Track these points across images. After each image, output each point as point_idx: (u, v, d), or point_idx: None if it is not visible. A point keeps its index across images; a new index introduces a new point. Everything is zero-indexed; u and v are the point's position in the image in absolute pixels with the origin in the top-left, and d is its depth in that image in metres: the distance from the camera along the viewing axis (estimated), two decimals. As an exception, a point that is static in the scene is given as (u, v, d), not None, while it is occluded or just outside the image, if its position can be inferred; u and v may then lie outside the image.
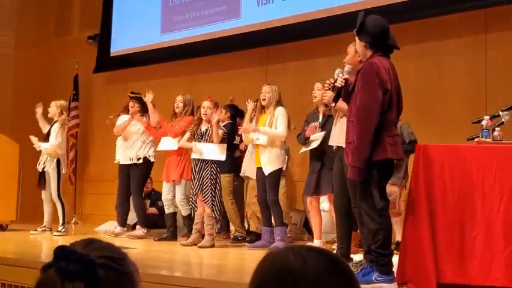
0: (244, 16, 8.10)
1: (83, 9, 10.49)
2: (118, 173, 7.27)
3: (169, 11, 9.10)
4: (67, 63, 10.36)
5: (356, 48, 3.83)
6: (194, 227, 6.08)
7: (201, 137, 6.13)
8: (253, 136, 5.87)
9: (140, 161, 7.00)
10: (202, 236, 5.99)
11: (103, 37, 9.86)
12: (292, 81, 7.67)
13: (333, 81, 3.86)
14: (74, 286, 1.05)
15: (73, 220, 9.50)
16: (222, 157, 6.01)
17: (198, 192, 6.01)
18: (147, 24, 9.26)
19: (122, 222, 7.22)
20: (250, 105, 6.10)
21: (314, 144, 5.35)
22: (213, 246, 5.91)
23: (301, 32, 7.43)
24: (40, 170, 7.37)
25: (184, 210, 6.52)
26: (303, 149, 5.55)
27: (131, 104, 7.21)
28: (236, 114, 6.96)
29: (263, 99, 5.88)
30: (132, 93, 7.44)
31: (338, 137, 4.43)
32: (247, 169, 6.38)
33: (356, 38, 3.74)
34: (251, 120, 6.01)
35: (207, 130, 6.11)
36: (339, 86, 3.78)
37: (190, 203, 6.28)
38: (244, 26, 8.02)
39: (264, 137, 5.79)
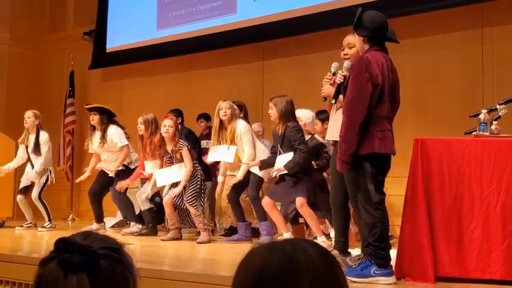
0: (241, 11, 8.08)
1: (78, 5, 10.44)
2: (97, 173, 7.24)
3: (165, 6, 9.08)
4: (61, 60, 10.33)
5: (355, 43, 3.85)
6: (171, 226, 6.18)
7: (170, 158, 6.09)
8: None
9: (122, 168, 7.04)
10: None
11: (99, 33, 9.82)
12: (289, 77, 7.67)
13: (331, 75, 3.88)
14: (78, 277, 1.04)
15: (70, 216, 9.48)
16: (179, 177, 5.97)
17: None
18: (143, 20, 9.23)
19: (99, 218, 7.27)
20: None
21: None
22: (210, 241, 5.94)
23: (298, 27, 7.42)
24: (29, 184, 7.34)
25: (146, 205, 6.72)
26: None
27: (90, 117, 7.19)
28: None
29: (224, 115, 5.83)
30: (88, 105, 7.41)
31: (333, 130, 4.42)
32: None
33: (355, 33, 3.75)
34: (217, 139, 5.94)
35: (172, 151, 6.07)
36: (339, 82, 3.80)
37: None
38: (241, 21, 8.01)
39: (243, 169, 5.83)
